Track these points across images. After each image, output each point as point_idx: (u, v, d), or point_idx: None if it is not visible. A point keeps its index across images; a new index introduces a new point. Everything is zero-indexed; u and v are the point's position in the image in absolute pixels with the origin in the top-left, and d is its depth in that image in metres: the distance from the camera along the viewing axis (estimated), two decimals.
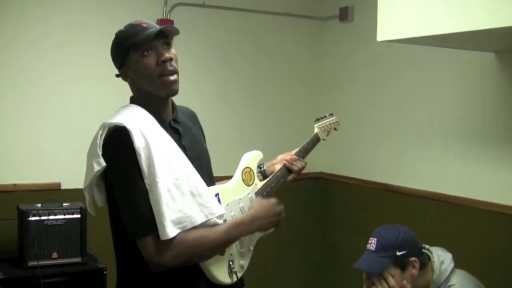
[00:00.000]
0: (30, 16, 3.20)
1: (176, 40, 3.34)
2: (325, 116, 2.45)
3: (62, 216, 2.91)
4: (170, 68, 1.78)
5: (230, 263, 1.86)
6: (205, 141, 2.04)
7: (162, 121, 1.82)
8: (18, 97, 3.20)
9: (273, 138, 3.85)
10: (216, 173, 2.02)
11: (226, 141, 3.69)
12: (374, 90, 3.68)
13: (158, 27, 1.79)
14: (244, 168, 2.02)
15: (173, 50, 1.82)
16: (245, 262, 1.95)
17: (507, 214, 2.80)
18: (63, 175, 3.27)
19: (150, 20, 1.86)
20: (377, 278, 2.10)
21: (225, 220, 1.81)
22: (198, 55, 3.68)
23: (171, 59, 1.78)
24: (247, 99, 3.89)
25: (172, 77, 1.79)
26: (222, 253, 1.83)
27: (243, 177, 2.00)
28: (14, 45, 3.18)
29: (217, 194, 1.85)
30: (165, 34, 1.80)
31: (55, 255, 2.88)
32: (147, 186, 1.67)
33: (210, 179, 1.91)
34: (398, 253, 2.09)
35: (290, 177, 2.20)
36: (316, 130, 2.37)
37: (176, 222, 1.66)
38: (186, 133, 1.88)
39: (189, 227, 1.69)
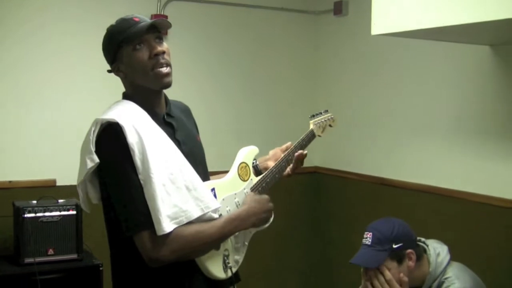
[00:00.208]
0: (29, 17, 3.20)
1: (170, 35, 3.37)
2: (320, 113, 2.44)
3: (58, 213, 2.91)
4: (162, 61, 1.77)
5: (225, 258, 1.87)
6: (198, 134, 2.04)
7: (155, 115, 1.81)
8: (12, 93, 3.18)
9: (268, 132, 3.84)
10: (212, 168, 2.02)
11: (221, 136, 3.69)
12: (369, 84, 3.67)
13: (150, 20, 1.79)
14: (240, 163, 2.02)
15: (165, 44, 1.82)
16: (240, 257, 1.96)
17: (503, 207, 2.80)
18: (58, 171, 3.26)
19: (144, 15, 1.85)
20: (373, 272, 2.10)
21: (220, 215, 1.81)
22: (192, 50, 3.67)
23: (163, 52, 1.78)
24: (242, 94, 3.89)
25: (165, 70, 1.78)
26: (217, 248, 1.83)
27: (239, 172, 2.00)
28: (8, 40, 3.16)
29: (213, 189, 1.85)
30: (157, 27, 1.80)
31: (51, 251, 2.87)
32: (142, 182, 1.66)
33: (204, 173, 1.91)
34: (394, 246, 2.09)
35: (285, 173, 2.19)
36: (311, 126, 2.37)
37: (172, 217, 1.66)
38: (180, 127, 1.88)
39: (185, 222, 1.69)
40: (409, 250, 2.11)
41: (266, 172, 2.11)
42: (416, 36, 2.60)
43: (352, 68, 3.82)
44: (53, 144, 3.27)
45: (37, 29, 3.22)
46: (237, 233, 1.88)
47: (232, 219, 1.81)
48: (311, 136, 2.35)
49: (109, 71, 1.86)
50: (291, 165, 2.16)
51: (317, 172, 4.13)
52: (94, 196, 1.80)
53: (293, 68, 4.07)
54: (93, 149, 1.69)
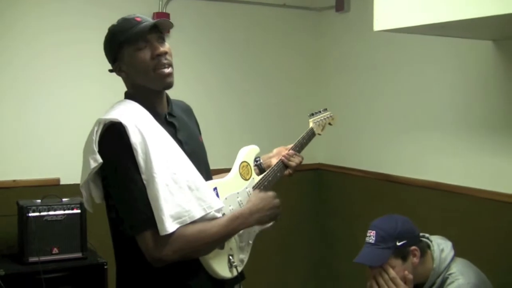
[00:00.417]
0: (28, 16, 3.20)
1: (172, 33, 3.36)
2: (319, 111, 2.45)
3: (62, 212, 2.91)
4: (164, 61, 1.77)
5: (230, 257, 1.87)
6: (200, 134, 2.04)
7: (157, 115, 1.81)
8: (17, 93, 3.19)
9: (270, 129, 3.84)
10: (216, 165, 2.02)
11: (223, 134, 3.68)
12: (372, 80, 3.66)
13: (152, 21, 1.79)
14: (241, 163, 2.02)
15: (167, 44, 1.81)
16: (244, 256, 1.96)
17: (507, 203, 2.79)
18: (62, 170, 3.26)
19: (146, 13, 1.85)
20: (378, 270, 2.10)
21: (223, 214, 1.81)
22: (194, 48, 3.66)
23: (165, 53, 1.78)
24: (244, 91, 3.88)
25: (167, 70, 1.78)
26: (221, 247, 1.83)
27: (241, 171, 2.00)
28: (13, 43, 3.17)
29: (215, 188, 1.85)
30: (160, 28, 1.80)
31: (55, 250, 2.88)
32: (145, 182, 1.66)
33: (207, 173, 1.91)
34: (398, 244, 2.09)
35: (286, 172, 2.20)
36: (311, 125, 2.38)
37: (175, 217, 1.66)
38: (182, 127, 1.88)
39: (188, 222, 1.69)
40: (413, 247, 2.11)
41: (268, 170, 2.12)
42: (418, 32, 2.59)
43: (354, 64, 3.81)
44: (57, 143, 3.27)
45: (48, 28, 3.22)
46: (241, 232, 1.88)
47: (235, 217, 1.81)
48: (311, 134, 2.36)
49: (110, 71, 1.86)
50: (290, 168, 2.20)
51: (320, 169, 4.12)
52: (98, 195, 1.81)
53: (295, 65, 4.06)
54: (96, 149, 1.69)
